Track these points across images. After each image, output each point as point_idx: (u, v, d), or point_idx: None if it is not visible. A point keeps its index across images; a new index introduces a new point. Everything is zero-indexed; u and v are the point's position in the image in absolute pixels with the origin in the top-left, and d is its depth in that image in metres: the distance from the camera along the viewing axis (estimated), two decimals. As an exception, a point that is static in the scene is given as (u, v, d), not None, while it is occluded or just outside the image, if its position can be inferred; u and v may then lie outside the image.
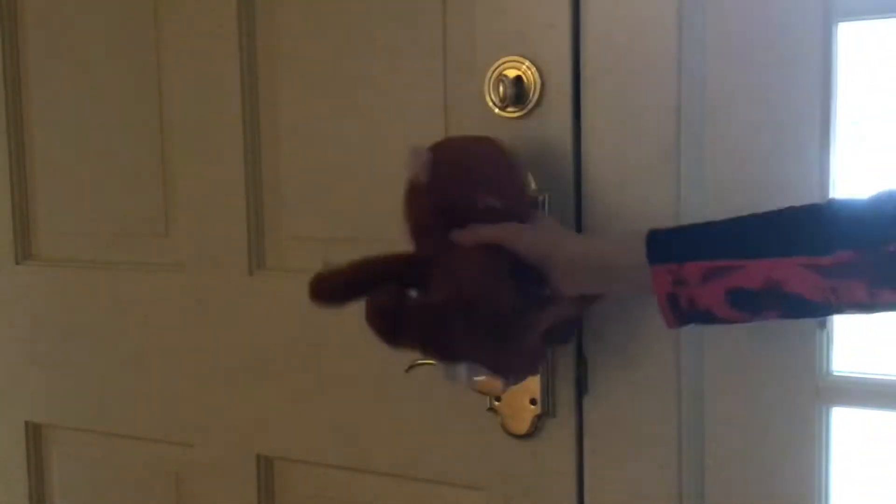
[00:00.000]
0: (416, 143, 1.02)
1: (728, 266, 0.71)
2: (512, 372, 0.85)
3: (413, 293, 0.80)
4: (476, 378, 0.84)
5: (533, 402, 0.94)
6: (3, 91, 1.32)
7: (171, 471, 1.26)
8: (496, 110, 0.93)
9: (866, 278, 0.68)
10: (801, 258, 0.69)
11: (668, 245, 0.75)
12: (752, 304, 0.72)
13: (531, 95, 0.92)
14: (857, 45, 0.83)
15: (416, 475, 1.06)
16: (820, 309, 0.71)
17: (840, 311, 0.71)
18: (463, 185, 0.82)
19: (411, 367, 0.95)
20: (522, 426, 0.95)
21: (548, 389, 0.94)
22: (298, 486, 1.17)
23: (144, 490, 1.28)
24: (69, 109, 1.28)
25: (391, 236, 1.05)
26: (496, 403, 0.96)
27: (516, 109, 0.93)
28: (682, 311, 0.74)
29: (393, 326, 0.77)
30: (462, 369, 0.81)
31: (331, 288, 0.80)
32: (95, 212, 1.28)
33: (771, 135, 0.84)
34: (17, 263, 1.35)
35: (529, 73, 0.92)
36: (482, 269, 0.78)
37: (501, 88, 0.91)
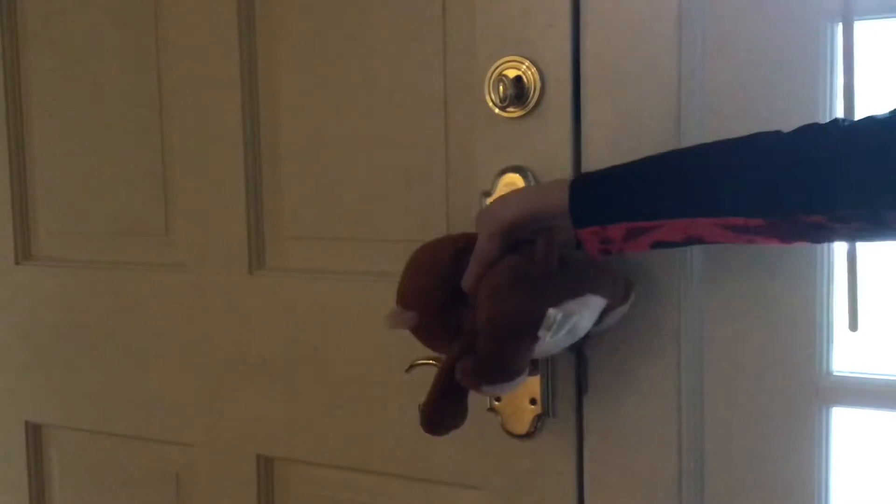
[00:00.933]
0: (416, 141, 1.03)
1: (647, 227, 0.75)
2: (611, 286, 0.85)
3: None
4: (587, 311, 0.83)
5: (533, 402, 0.94)
6: (3, 91, 1.33)
7: (171, 471, 1.26)
8: (496, 110, 0.93)
9: (779, 236, 0.71)
10: (714, 219, 0.72)
11: (591, 208, 0.77)
12: (678, 249, 0.80)
13: (531, 95, 0.92)
14: (858, 45, 0.83)
15: (416, 475, 1.06)
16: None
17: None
18: (435, 292, 0.84)
19: (411, 366, 0.95)
20: (522, 426, 0.95)
21: (548, 389, 0.94)
22: (298, 486, 1.17)
23: (144, 490, 1.28)
24: (69, 109, 1.28)
25: (391, 236, 1.05)
26: (496, 403, 0.96)
27: (516, 109, 0.93)
28: (614, 255, 0.79)
29: (502, 373, 0.78)
30: (575, 308, 0.80)
31: (442, 421, 0.84)
32: (95, 212, 1.28)
33: (771, 135, 0.84)
34: (17, 263, 1.35)
35: (529, 73, 0.92)
36: (500, 268, 0.80)
37: (501, 88, 0.91)
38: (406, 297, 0.84)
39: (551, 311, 0.77)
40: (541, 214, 0.79)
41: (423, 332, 0.84)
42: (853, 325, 0.83)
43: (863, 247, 0.82)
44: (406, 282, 0.85)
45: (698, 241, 0.74)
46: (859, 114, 0.80)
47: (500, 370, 0.78)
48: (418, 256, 0.87)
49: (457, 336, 0.83)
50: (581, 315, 0.80)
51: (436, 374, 0.83)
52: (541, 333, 0.78)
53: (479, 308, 0.80)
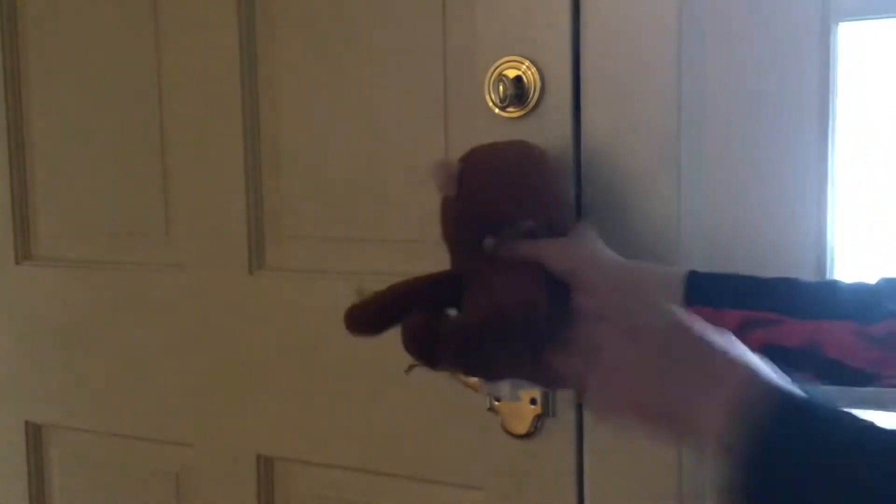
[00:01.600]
0: (416, 141, 1.03)
1: (767, 318, 0.69)
2: (555, 384, 0.86)
3: (451, 312, 0.77)
4: (520, 391, 0.87)
5: (533, 402, 0.94)
6: (3, 91, 1.32)
7: (171, 471, 1.26)
8: (496, 110, 0.93)
9: None
10: (850, 323, 0.67)
11: (709, 288, 0.72)
12: (788, 361, 0.66)
13: (531, 95, 0.92)
14: (857, 45, 0.83)
15: (416, 475, 1.06)
16: (858, 378, 0.68)
17: (877, 383, 0.69)
18: (493, 194, 0.78)
19: (411, 367, 0.95)
20: (522, 426, 0.95)
21: (548, 389, 0.94)
22: (298, 486, 1.17)
23: (144, 490, 1.28)
24: (69, 109, 1.28)
25: (391, 236, 1.05)
26: (496, 403, 0.96)
27: (516, 109, 0.93)
28: None
29: (429, 351, 0.75)
30: (506, 386, 0.81)
31: (366, 318, 0.79)
32: (95, 212, 1.28)
33: (771, 135, 0.84)
34: (17, 263, 1.35)
35: (529, 73, 0.92)
36: (518, 287, 0.75)
37: (501, 88, 0.91)
38: (478, 181, 0.76)
39: (505, 384, 0.79)
40: (641, 289, 0.74)
41: (452, 214, 0.77)
42: None
43: (863, 247, 0.82)
44: (499, 171, 0.77)
45: (817, 351, 0.68)
46: (857, 116, 0.80)
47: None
48: (517, 162, 0.79)
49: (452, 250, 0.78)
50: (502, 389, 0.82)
51: (402, 285, 0.77)
52: (491, 387, 0.79)
53: (493, 282, 0.75)
